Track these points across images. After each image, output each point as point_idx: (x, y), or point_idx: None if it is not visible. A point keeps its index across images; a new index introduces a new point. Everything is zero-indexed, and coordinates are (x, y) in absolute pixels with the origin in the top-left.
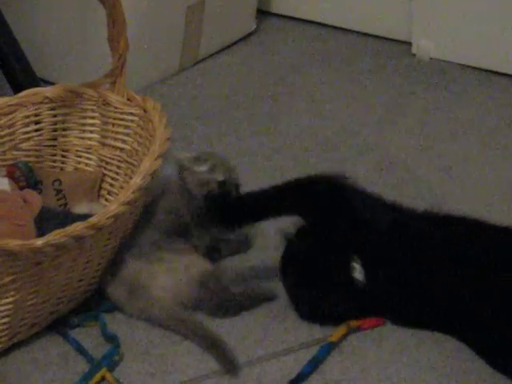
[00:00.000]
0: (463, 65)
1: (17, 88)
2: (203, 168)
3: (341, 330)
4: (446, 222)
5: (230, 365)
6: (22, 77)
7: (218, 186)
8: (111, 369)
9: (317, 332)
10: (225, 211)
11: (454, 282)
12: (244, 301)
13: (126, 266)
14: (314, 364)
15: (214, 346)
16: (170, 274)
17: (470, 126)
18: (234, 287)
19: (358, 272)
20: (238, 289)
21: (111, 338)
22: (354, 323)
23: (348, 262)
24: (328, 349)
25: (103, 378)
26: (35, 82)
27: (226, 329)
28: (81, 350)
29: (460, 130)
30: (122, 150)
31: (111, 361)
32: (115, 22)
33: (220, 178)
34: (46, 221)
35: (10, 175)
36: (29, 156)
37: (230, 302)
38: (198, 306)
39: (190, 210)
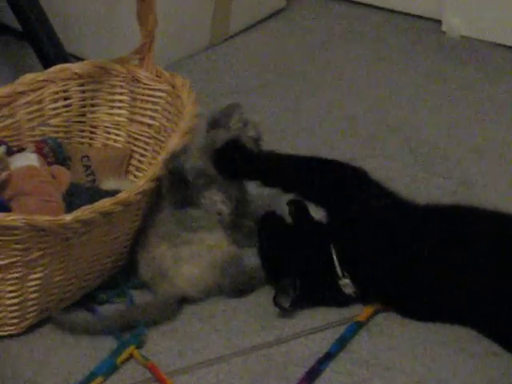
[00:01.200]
0: (494, 43)
1: (47, 63)
2: (236, 125)
3: (368, 309)
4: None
5: None
6: (51, 52)
7: (254, 144)
8: (139, 346)
9: (345, 311)
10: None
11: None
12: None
13: (152, 246)
14: (342, 343)
15: None
16: (194, 260)
17: (500, 105)
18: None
19: (349, 287)
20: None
21: None
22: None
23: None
24: (356, 328)
25: (131, 356)
26: (65, 57)
27: (255, 307)
28: None
29: (490, 109)
30: (150, 126)
31: (139, 339)
32: None
33: (253, 134)
34: (74, 197)
35: (39, 151)
36: (57, 132)
37: (246, 285)
38: (219, 290)
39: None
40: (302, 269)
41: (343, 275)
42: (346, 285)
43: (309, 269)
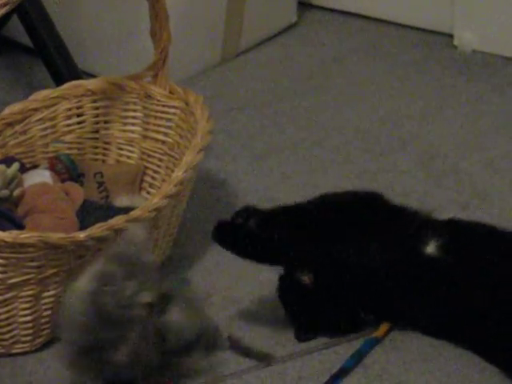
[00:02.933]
0: (507, 57)
1: (59, 81)
2: (130, 289)
3: (385, 325)
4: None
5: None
6: (63, 69)
7: (145, 308)
8: None
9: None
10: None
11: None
12: None
13: None
14: (357, 358)
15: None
16: None
17: None
18: None
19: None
20: None
21: None
22: None
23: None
24: (372, 344)
25: None
26: (77, 74)
27: (268, 321)
28: None
29: (503, 123)
30: (163, 142)
31: None
32: (158, 14)
33: (147, 299)
34: (88, 214)
35: (52, 168)
36: (71, 148)
37: None
38: None
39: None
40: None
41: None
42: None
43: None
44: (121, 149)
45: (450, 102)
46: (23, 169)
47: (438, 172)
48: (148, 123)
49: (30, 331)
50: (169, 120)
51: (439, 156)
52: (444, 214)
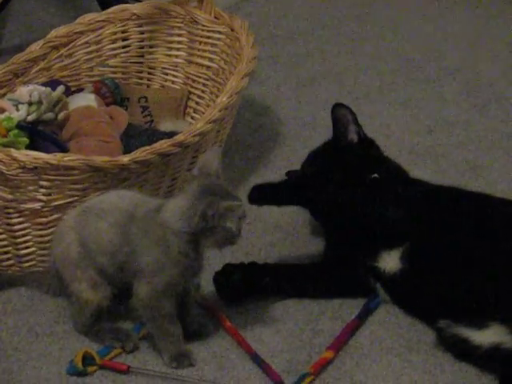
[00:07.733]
0: None
1: (104, 5)
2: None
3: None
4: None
5: None
6: None
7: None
8: None
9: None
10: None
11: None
12: None
13: None
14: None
15: None
16: None
17: None
18: None
19: None
20: None
21: None
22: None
23: None
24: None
25: None
26: None
27: (308, 247)
28: None
29: None
30: (208, 68)
31: None
32: None
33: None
34: (132, 137)
35: (97, 91)
36: (115, 72)
37: None
38: None
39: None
40: None
41: None
42: None
43: None
44: (165, 74)
45: (497, 31)
46: (68, 92)
47: (482, 101)
48: (193, 48)
49: None
50: (214, 45)
51: (484, 85)
52: (488, 144)
